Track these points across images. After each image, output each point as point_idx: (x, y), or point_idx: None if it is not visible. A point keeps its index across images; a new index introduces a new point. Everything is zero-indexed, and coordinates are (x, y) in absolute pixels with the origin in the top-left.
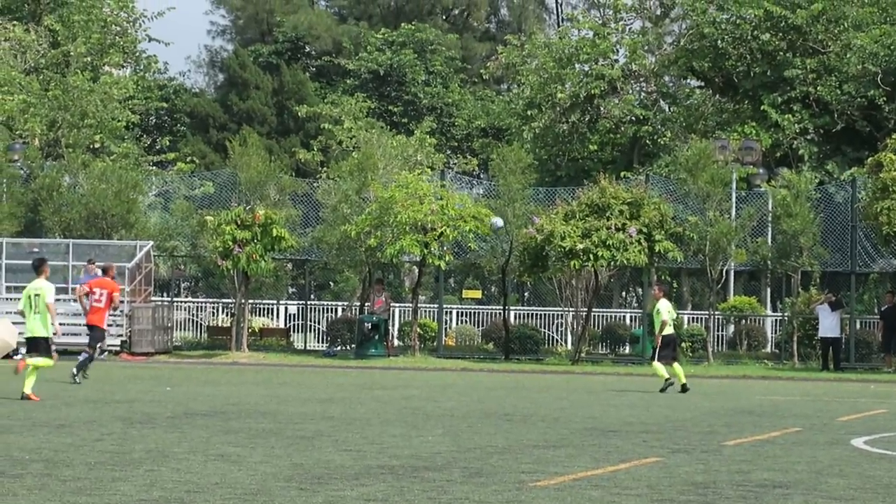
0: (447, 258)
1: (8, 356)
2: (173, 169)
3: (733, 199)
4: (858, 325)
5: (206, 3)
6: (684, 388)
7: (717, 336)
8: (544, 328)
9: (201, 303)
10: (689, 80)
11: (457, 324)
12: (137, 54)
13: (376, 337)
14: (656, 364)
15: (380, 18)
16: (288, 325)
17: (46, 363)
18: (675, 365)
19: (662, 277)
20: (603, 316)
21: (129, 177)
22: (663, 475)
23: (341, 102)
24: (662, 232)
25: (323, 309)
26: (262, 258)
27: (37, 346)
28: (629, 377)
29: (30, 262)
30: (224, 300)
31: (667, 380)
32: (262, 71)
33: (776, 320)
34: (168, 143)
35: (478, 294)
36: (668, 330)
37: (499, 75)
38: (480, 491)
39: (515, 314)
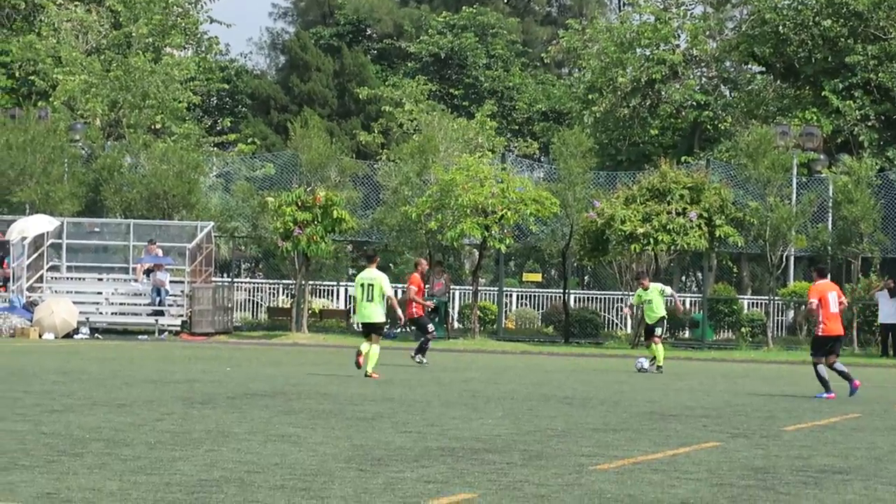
0: (507, 241)
1: (69, 335)
2: (234, 150)
3: (794, 185)
4: None
5: None
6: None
7: (777, 321)
8: (604, 312)
9: (261, 284)
10: (750, 66)
11: (517, 307)
12: (199, 36)
13: (436, 319)
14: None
15: (441, 1)
16: (348, 307)
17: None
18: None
19: (723, 261)
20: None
21: (190, 158)
22: (723, 459)
23: (402, 85)
24: (723, 217)
25: None
26: (322, 240)
27: (372, 329)
28: (689, 361)
29: (91, 241)
30: (284, 281)
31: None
32: (323, 53)
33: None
34: (229, 125)
35: (538, 277)
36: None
37: (560, 59)
38: (540, 474)
39: (575, 297)
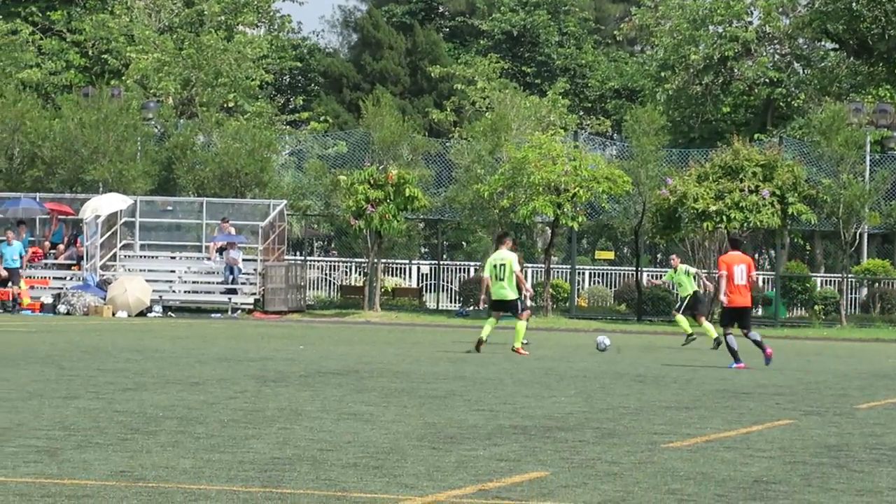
0: (580, 219)
1: (142, 313)
2: (307, 128)
3: (867, 162)
4: None
5: None
6: (717, 343)
7: (851, 299)
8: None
9: (334, 262)
10: (823, 43)
11: (589, 285)
12: (271, 14)
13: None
14: (680, 317)
15: None
16: (420, 285)
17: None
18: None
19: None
20: None
21: (262, 136)
22: (796, 437)
23: (474, 63)
24: (796, 194)
25: (455, 269)
26: (394, 218)
27: (505, 307)
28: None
29: (164, 220)
30: (357, 260)
31: (689, 335)
32: (395, 31)
33: None
34: (301, 103)
35: (610, 255)
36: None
37: (632, 36)
38: (613, 451)
39: (648, 275)
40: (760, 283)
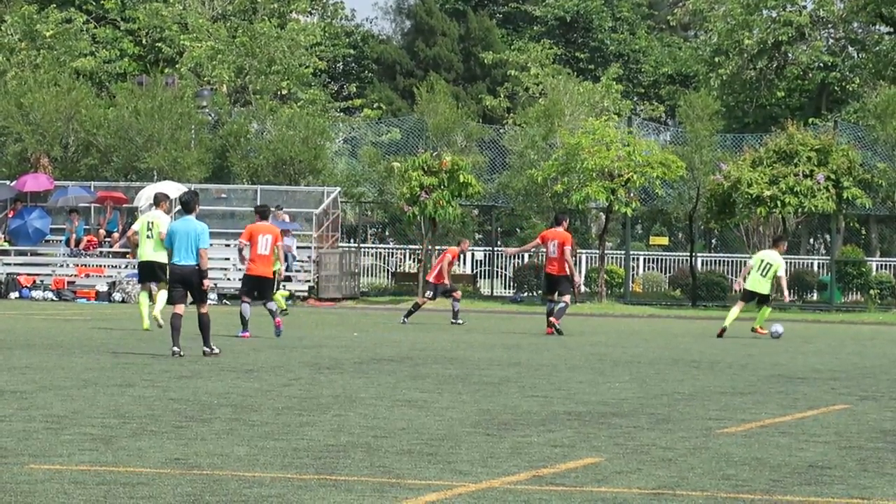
0: (634, 205)
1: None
2: (360, 115)
3: None
4: None
5: None
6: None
7: None
8: (732, 275)
9: (388, 249)
10: (878, 26)
11: (643, 270)
12: (324, 1)
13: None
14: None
15: None
16: (475, 271)
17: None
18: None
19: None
20: (790, 263)
21: (316, 123)
22: (851, 422)
23: (528, 49)
24: (850, 179)
25: (509, 255)
26: (448, 204)
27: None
28: (817, 324)
29: (218, 207)
30: (411, 246)
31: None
32: (448, 18)
33: None
34: (355, 90)
35: (665, 241)
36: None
37: (686, 22)
38: (667, 437)
39: (702, 261)
40: (815, 268)
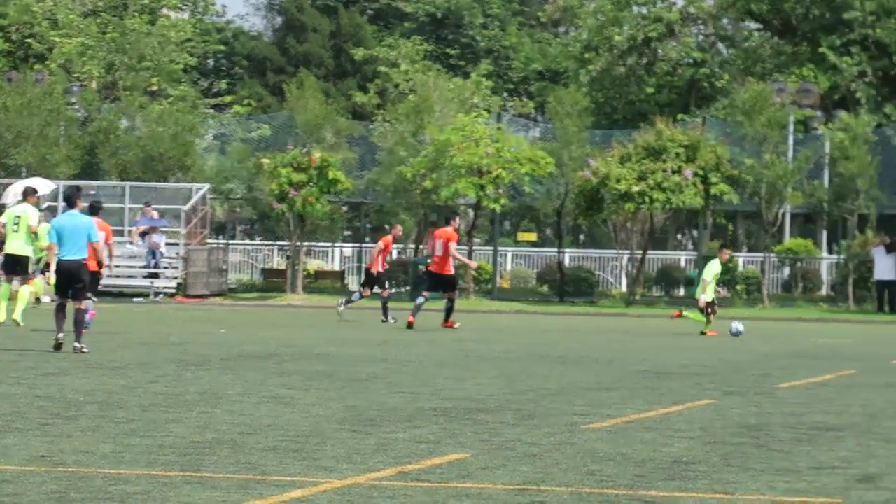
0: (502, 201)
1: None
2: (230, 112)
3: (790, 142)
4: None
5: None
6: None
7: (773, 278)
8: (599, 271)
9: (257, 245)
10: (747, 23)
11: (512, 266)
12: None
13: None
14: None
15: None
16: (343, 268)
17: None
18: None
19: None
20: (658, 258)
21: (186, 119)
22: (716, 417)
23: (398, 45)
24: (718, 174)
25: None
26: (317, 201)
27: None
28: (683, 319)
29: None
30: (279, 243)
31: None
32: (319, 14)
33: (832, 263)
34: (225, 86)
35: (533, 237)
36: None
37: (556, 18)
38: (533, 433)
39: (570, 257)
40: (683, 264)
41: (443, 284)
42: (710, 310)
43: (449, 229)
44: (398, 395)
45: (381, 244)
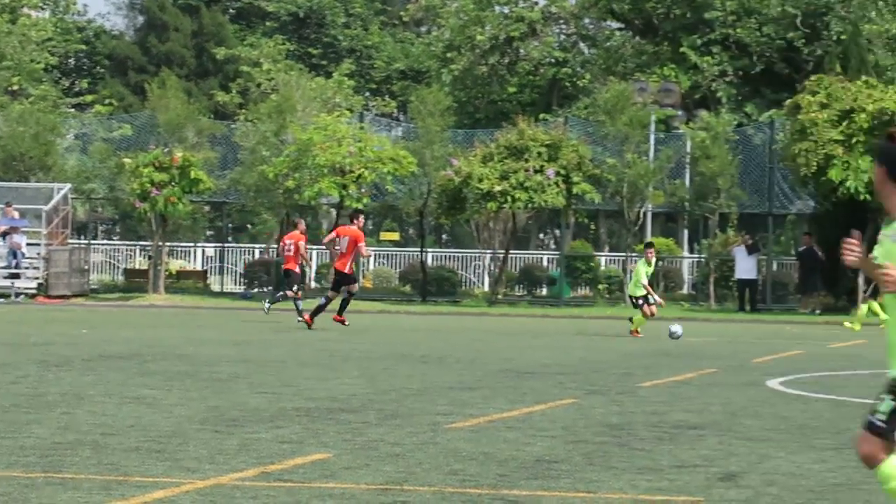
0: (365, 200)
1: None
2: (92, 111)
3: (651, 141)
4: (775, 267)
5: None
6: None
7: None
8: (462, 270)
9: (118, 245)
10: (608, 22)
11: (374, 266)
12: None
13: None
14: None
15: None
16: (205, 268)
17: None
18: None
19: (580, 218)
20: (520, 258)
21: (46, 119)
22: (578, 416)
23: (260, 45)
24: (580, 174)
25: (240, 251)
26: (179, 200)
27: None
28: (546, 319)
29: None
30: (141, 243)
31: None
32: (181, 13)
33: (693, 262)
34: (87, 86)
35: (395, 236)
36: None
37: (418, 17)
38: (396, 433)
39: (433, 256)
40: (545, 263)
41: (344, 281)
42: (641, 302)
43: (355, 228)
44: (260, 396)
45: (290, 242)
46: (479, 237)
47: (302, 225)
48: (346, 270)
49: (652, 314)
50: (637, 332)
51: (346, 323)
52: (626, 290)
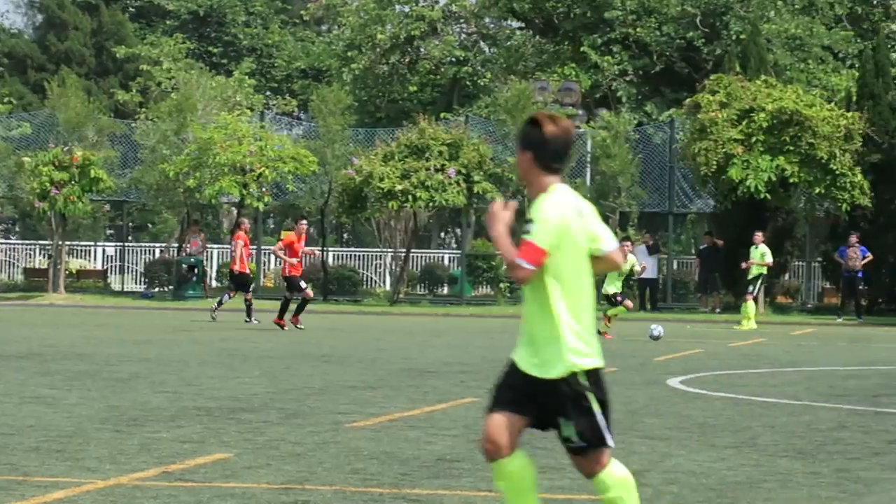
0: (266, 199)
1: None
2: None
3: None
4: (675, 266)
5: None
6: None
7: None
8: (363, 269)
9: (18, 245)
10: (509, 22)
11: (275, 265)
12: None
13: (194, 278)
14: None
15: None
16: (105, 267)
17: None
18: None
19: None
20: (421, 257)
21: None
22: (479, 415)
23: (160, 43)
24: (481, 173)
25: (141, 250)
26: (79, 199)
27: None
28: (447, 318)
29: None
30: (41, 242)
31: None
32: (80, 11)
33: None
34: None
35: None
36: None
37: (319, 16)
38: (297, 432)
39: (334, 255)
40: (446, 262)
41: (292, 286)
42: (620, 298)
43: (293, 233)
44: (161, 395)
45: (240, 242)
46: (380, 236)
47: (246, 224)
48: (290, 273)
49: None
50: (608, 328)
51: (301, 326)
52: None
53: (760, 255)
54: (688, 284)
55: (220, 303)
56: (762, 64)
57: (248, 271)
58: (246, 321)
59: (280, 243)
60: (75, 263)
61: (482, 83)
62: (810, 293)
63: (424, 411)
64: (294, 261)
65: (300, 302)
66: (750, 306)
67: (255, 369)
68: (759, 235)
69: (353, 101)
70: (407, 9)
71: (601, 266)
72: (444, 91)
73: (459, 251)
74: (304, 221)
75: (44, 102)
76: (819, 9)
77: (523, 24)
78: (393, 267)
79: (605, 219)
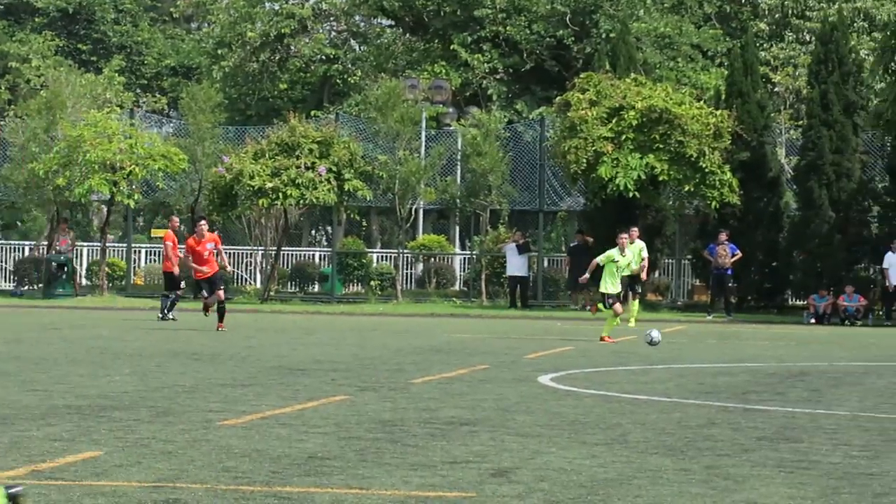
0: (136, 197)
1: None
2: None
3: (423, 139)
4: (546, 264)
5: None
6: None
7: (406, 274)
8: (233, 267)
9: None
10: (379, 20)
11: (146, 263)
12: None
13: (63, 276)
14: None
15: None
16: None
17: None
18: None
19: (352, 215)
20: (292, 254)
21: None
22: (351, 413)
23: (29, 41)
24: (352, 170)
25: (10, 248)
26: None
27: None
28: (318, 315)
29: None
30: None
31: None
32: None
33: (465, 258)
34: None
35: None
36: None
37: (189, 14)
38: (168, 430)
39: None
40: (317, 260)
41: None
42: (612, 301)
43: (215, 234)
44: (31, 393)
45: (169, 243)
46: (250, 234)
47: (175, 223)
48: (209, 273)
49: (617, 313)
50: (609, 337)
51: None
52: (398, 287)
53: (639, 251)
54: (558, 282)
55: (172, 303)
56: (632, 62)
57: (177, 271)
58: (159, 316)
59: (185, 248)
60: None
61: (352, 81)
62: (680, 291)
63: (296, 409)
64: (205, 269)
65: (175, 299)
66: (635, 305)
67: (126, 367)
68: (635, 231)
69: (223, 99)
70: (277, 6)
71: None
72: (315, 89)
73: (330, 249)
74: (204, 222)
75: None
76: (688, 7)
77: (393, 23)
78: (264, 265)
79: (476, 217)
